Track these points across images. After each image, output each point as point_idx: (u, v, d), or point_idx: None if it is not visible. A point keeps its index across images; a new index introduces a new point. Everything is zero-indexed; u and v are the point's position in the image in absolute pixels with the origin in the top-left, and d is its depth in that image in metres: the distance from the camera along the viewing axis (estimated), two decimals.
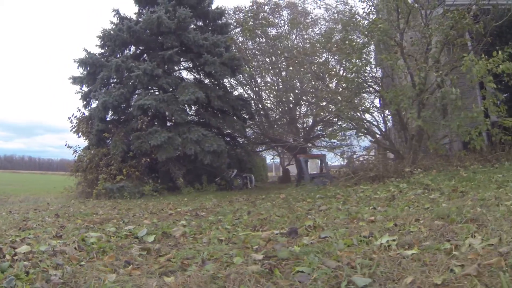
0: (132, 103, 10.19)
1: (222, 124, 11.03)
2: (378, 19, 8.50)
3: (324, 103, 9.97)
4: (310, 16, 14.73)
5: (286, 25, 13.43)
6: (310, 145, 15.76)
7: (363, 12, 9.50)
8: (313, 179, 8.35)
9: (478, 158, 7.08)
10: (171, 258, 2.46)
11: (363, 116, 9.87)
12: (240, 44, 13.89)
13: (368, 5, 9.15)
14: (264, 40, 11.76)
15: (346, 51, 8.86)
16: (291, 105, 14.63)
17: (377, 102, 10.50)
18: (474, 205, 3.55)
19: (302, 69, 9.33)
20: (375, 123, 10.00)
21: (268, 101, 14.84)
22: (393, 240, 2.55)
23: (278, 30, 13.25)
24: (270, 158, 20.35)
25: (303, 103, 14.39)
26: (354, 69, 8.84)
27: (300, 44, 13.27)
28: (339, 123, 10.66)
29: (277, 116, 15.28)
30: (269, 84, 13.52)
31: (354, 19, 8.70)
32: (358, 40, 8.59)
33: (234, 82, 14.50)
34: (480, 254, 1.96)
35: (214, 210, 5.57)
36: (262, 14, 14.08)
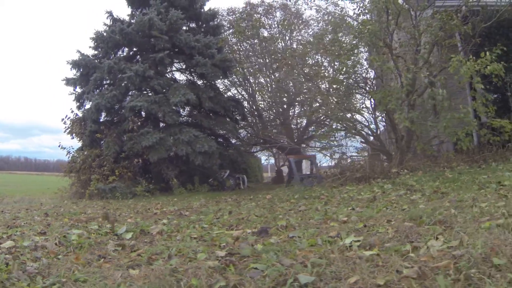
0: (124, 105, 10.23)
1: (213, 125, 11.08)
2: (367, 21, 8.55)
3: (315, 105, 10.02)
4: (303, 18, 14.82)
5: (277, 27, 13.45)
6: (304, 145, 15.84)
7: (354, 14, 9.56)
8: (303, 180, 8.40)
9: (465, 159, 7.12)
10: (142, 253, 2.58)
11: (354, 117, 9.94)
12: (233, 46, 13.95)
13: (358, 6, 9.21)
14: (256, 41, 11.80)
15: (335, 52, 8.91)
16: (285, 106, 14.69)
17: (368, 103, 10.57)
18: (450, 206, 3.60)
19: (295, 71, 9.38)
20: (366, 124, 10.08)
21: (262, 102, 14.90)
22: (357, 241, 2.59)
23: (271, 32, 13.29)
24: (265, 159, 20.40)
25: (296, 104, 14.46)
26: (344, 70, 8.91)
27: (294, 45, 13.32)
28: (330, 124, 10.69)
29: (272, 117, 15.33)
30: (262, 85, 13.54)
31: (344, 20, 8.75)
32: (347, 41, 8.64)
33: (228, 83, 14.59)
34: (433, 256, 2.01)
35: (199, 210, 5.64)
36: (255, 15, 14.14)
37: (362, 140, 9.51)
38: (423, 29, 8.04)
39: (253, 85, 14.43)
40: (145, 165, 11.18)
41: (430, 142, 8.78)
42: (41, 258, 2.41)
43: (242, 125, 14.62)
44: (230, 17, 15.03)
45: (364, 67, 9.80)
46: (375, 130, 10.14)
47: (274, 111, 14.81)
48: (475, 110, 8.61)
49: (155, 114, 10.13)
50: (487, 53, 7.76)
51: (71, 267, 2.20)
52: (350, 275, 1.78)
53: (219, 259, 2.20)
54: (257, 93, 14.03)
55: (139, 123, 10.39)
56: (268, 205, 5.48)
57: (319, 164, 10.56)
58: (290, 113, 15.34)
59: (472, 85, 8.47)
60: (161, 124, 11.18)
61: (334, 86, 8.91)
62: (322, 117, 13.17)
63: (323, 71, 9.90)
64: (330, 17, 9.58)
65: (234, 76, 12.71)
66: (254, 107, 14.78)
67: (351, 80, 9.50)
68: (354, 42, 8.91)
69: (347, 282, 1.66)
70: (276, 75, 12.62)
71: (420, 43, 8.69)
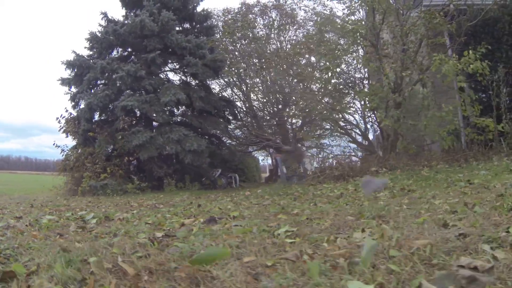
0: (116, 104, 10.45)
1: (204, 125, 11.24)
2: (352, 20, 8.61)
3: (302, 104, 10.10)
4: (297, 18, 14.87)
5: (272, 27, 13.55)
6: (300, 145, 15.88)
7: (343, 14, 9.63)
8: (288, 178, 8.51)
9: (446, 157, 7.13)
10: (95, 233, 2.80)
11: (342, 116, 9.98)
12: (229, 46, 14.09)
13: (346, 7, 9.27)
14: (246, 42, 11.93)
15: (322, 52, 8.98)
16: (280, 106, 14.76)
17: (358, 103, 10.60)
18: (408, 203, 3.68)
19: (281, 70, 9.47)
20: (355, 123, 10.11)
21: (256, 102, 15.00)
22: (290, 231, 2.70)
23: (267, 32, 13.39)
24: (262, 158, 20.50)
25: (291, 104, 14.51)
26: (329, 69, 8.97)
27: (288, 46, 13.39)
28: (318, 124, 10.75)
29: (268, 117, 15.42)
30: (255, 85, 13.66)
31: (330, 20, 8.81)
32: (332, 41, 8.71)
33: (224, 83, 14.72)
34: (339, 246, 2.10)
35: (176, 204, 5.78)
36: (250, 15, 14.26)
37: (350, 139, 9.56)
38: (407, 28, 8.07)
39: (248, 85, 14.57)
40: (139, 163, 11.41)
41: (414, 142, 8.80)
42: (7, 233, 2.69)
43: (237, 125, 14.76)
44: (225, 17, 15.22)
45: (352, 67, 9.86)
46: (364, 130, 10.19)
47: (268, 111, 14.91)
48: (463, 109, 8.62)
49: (146, 113, 10.33)
50: (470, 51, 7.78)
51: (30, 240, 2.42)
52: (248, 255, 1.90)
53: (152, 239, 2.36)
54: (251, 93, 14.13)
55: (131, 123, 10.60)
56: (240, 201, 5.59)
57: (314, 162, 10.63)
58: (286, 113, 15.40)
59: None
60: (155, 124, 11.39)
61: (319, 85, 8.96)
62: (314, 117, 13.25)
63: (312, 71, 9.97)
64: (317, 18, 9.65)
65: (229, 76, 12.83)
66: (248, 107, 14.91)
67: (341, 80, 9.58)
68: (341, 41, 8.99)
69: (241, 261, 1.78)
70: (265, 75, 12.69)
71: (405, 42, 8.72)
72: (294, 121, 16.15)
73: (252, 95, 14.81)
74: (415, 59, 8.62)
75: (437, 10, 8.48)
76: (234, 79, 14.10)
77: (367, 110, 7.92)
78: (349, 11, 9.15)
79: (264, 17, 15.17)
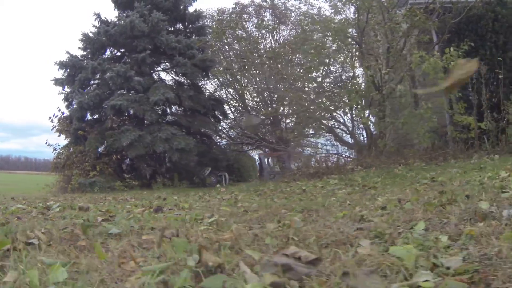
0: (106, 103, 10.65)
1: (193, 124, 11.38)
2: (338, 20, 8.65)
3: (286, 102, 10.15)
4: (291, 18, 14.90)
5: (255, 28, 13.64)
6: (294, 143, 15.89)
7: (331, 13, 9.66)
8: (271, 175, 8.58)
9: (424, 156, 7.10)
10: (49, 217, 3.06)
11: (332, 115, 10.00)
12: (223, 46, 14.20)
13: (330, 6, 9.30)
14: (234, 42, 12.03)
15: (308, 50, 9.03)
16: (274, 105, 14.81)
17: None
18: (358, 199, 3.75)
19: (264, 69, 9.54)
20: (343, 121, 10.13)
21: (250, 102, 15.10)
22: (213, 221, 2.80)
23: (254, 32, 13.48)
24: (257, 158, 20.53)
25: (285, 103, 14.53)
26: (315, 68, 9.02)
27: (276, 46, 13.45)
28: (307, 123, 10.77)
29: (262, 117, 15.47)
30: (246, 85, 13.75)
31: (314, 19, 8.85)
32: (317, 39, 8.75)
33: (218, 83, 14.85)
34: (240, 233, 2.19)
35: (147, 199, 5.92)
36: (244, 15, 14.38)
37: (335, 138, 9.58)
38: (387, 26, 8.07)
39: (242, 85, 14.66)
40: (132, 162, 11.60)
41: (399, 140, 8.78)
42: None
43: (231, 124, 14.86)
44: (220, 17, 15.35)
45: (339, 66, 9.88)
46: (352, 129, 10.19)
47: (262, 110, 14.98)
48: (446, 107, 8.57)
49: (135, 112, 10.51)
50: (451, 49, 7.74)
51: None
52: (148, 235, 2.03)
53: (87, 220, 2.59)
54: (244, 92, 14.22)
55: (121, 122, 10.79)
56: (209, 196, 5.70)
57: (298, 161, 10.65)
58: (275, 112, 15.44)
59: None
60: (146, 122, 11.56)
61: (302, 84, 9.01)
62: (301, 117, 13.25)
63: (293, 70, 10.03)
64: (302, 17, 9.70)
65: (219, 76, 12.96)
66: (243, 106, 15.01)
67: (327, 79, 9.64)
68: (326, 40, 9.01)
69: (139, 237, 1.91)
70: (255, 75, 12.77)
71: (389, 40, 8.71)
72: (288, 120, 16.27)
73: (246, 95, 14.96)
74: (399, 57, 8.61)
75: (420, 8, 8.45)
76: (228, 78, 14.24)
77: (346, 106, 7.93)
78: (333, 10, 9.20)
79: (259, 17, 15.30)
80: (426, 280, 0.98)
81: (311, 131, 10.03)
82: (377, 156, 7.29)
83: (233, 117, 14.81)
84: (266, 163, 9.11)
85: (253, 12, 15.24)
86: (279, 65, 9.76)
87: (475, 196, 2.73)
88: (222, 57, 13.01)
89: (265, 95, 13.91)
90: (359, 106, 7.41)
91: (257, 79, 12.15)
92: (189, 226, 2.36)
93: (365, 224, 2.20)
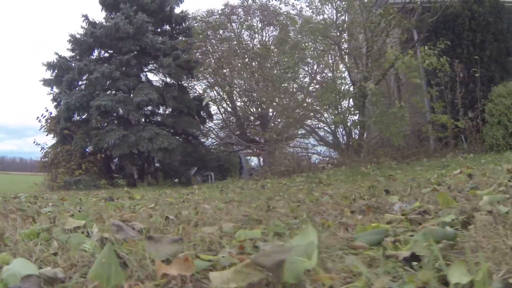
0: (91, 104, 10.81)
1: (178, 124, 11.50)
2: (313, 18, 8.71)
3: (267, 102, 10.23)
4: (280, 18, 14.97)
5: (238, 28, 13.73)
6: (285, 143, 15.94)
7: (312, 14, 9.73)
8: (250, 174, 8.67)
9: (396, 155, 7.13)
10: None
11: (316, 115, 10.04)
12: (212, 47, 14.31)
13: (307, 5, 9.37)
14: (217, 42, 12.14)
15: (285, 50, 9.10)
16: (264, 106, 14.88)
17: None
18: (305, 194, 3.86)
19: (239, 69, 9.61)
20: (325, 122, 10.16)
21: (238, 102, 15.19)
22: (151, 207, 2.98)
23: (238, 32, 13.58)
24: (248, 158, 20.60)
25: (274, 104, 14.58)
26: (294, 67, 9.07)
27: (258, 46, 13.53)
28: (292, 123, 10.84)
29: (252, 117, 15.58)
30: (235, 85, 13.83)
31: (292, 19, 8.92)
32: (294, 38, 8.82)
33: (208, 84, 14.96)
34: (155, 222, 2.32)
35: (126, 196, 6.09)
36: (233, 16, 14.49)
37: (317, 138, 9.63)
38: (363, 25, 8.12)
39: (231, 85, 14.75)
40: (120, 162, 11.76)
41: (382, 139, 8.81)
42: None
43: (221, 125, 14.96)
44: (209, 18, 15.48)
45: (322, 66, 9.93)
46: (334, 128, 10.22)
47: (252, 110, 15.07)
48: (433, 107, 8.59)
49: (119, 112, 10.65)
50: (426, 47, 7.77)
51: None
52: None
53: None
54: (231, 92, 14.32)
55: (108, 122, 10.95)
56: (174, 192, 5.83)
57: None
58: (270, 113, 15.53)
59: (432, 81, 8.46)
60: (132, 122, 11.70)
61: (279, 84, 9.08)
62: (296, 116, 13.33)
63: (270, 70, 10.10)
64: (281, 18, 9.79)
65: (203, 76, 13.07)
66: (231, 107, 15.11)
67: (306, 79, 9.70)
68: (304, 40, 9.08)
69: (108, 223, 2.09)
70: (246, 75, 12.87)
71: (368, 39, 8.76)
72: (278, 121, 16.31)
73: (234, 95, 15.05)
74: (378, 56, 8.65)
75: (396, 7, 8.50)
76: (217, 78, 14.34)
77: (321, 106, 8.00)
78: (312, 10, 9.26)
79: (246, 18, 15.40)
80: None
81: (299, 132, 10.08)
82: (353, 155, 7.33)
83: (221, 118, 14.92)
84: (245, 162, 9.19)
85: (242, 13, 15.38)
86: (262, 66, 9.84)
87: (398, 191, 2.83)
88: (210, 58, 13.12)
89: (253, 96, 13.99)
90: (332, 105, 7.47)
91: (241, 80, 12.23)
92: (114, 210, 2.61)
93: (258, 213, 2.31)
